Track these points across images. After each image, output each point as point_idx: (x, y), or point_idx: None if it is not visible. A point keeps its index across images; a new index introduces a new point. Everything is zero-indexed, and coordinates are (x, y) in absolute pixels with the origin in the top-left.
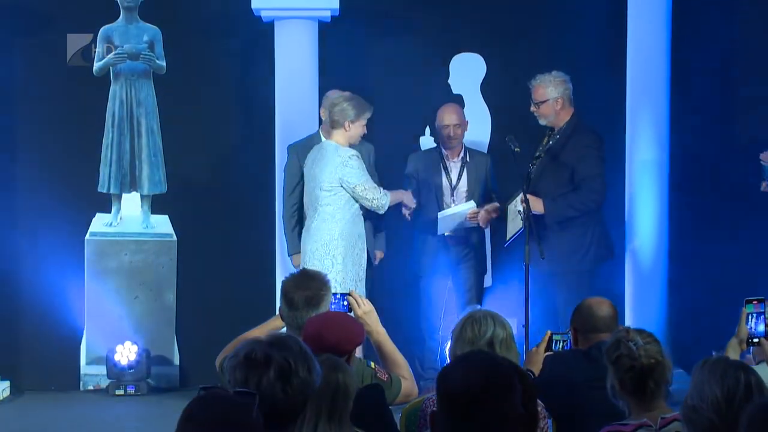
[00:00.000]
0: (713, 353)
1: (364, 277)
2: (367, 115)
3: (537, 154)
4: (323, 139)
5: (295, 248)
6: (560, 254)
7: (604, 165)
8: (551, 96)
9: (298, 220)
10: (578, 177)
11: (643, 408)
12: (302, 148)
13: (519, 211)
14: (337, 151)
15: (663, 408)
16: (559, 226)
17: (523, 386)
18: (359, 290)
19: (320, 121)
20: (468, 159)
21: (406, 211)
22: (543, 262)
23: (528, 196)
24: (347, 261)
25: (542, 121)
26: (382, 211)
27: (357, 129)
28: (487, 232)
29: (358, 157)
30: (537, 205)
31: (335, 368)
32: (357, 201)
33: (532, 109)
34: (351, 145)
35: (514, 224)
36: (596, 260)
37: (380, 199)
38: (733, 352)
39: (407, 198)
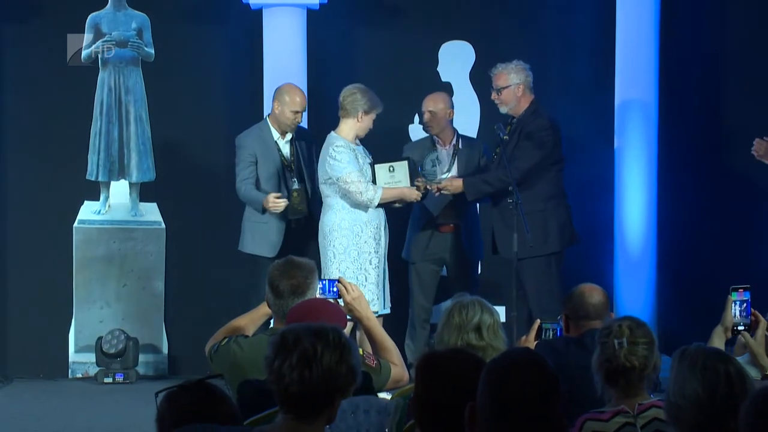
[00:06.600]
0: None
1: (379, 264)
2: (378, 109)
3: (498, 143)
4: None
5: None
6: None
7: (543, 149)
8: (513, 82)
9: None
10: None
11: (617, 396)
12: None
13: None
14: (329, 143)
15: (642, 395)
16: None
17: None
18: (369, 280)
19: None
20: (461, 146)
21: (398, 204)
22: (516, 248)
23: (447, 177)
24: (350, 251)
25: (503, 109)
26: (372, 206)
27: (367, 121)
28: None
29: (345, 148)
30: (456, 183)
31: None
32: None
33: (493, 96)
34: (357, 137)
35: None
36: (561, 245)
37: (365, 193)
38: (718, 340)
39: (409, 193)
